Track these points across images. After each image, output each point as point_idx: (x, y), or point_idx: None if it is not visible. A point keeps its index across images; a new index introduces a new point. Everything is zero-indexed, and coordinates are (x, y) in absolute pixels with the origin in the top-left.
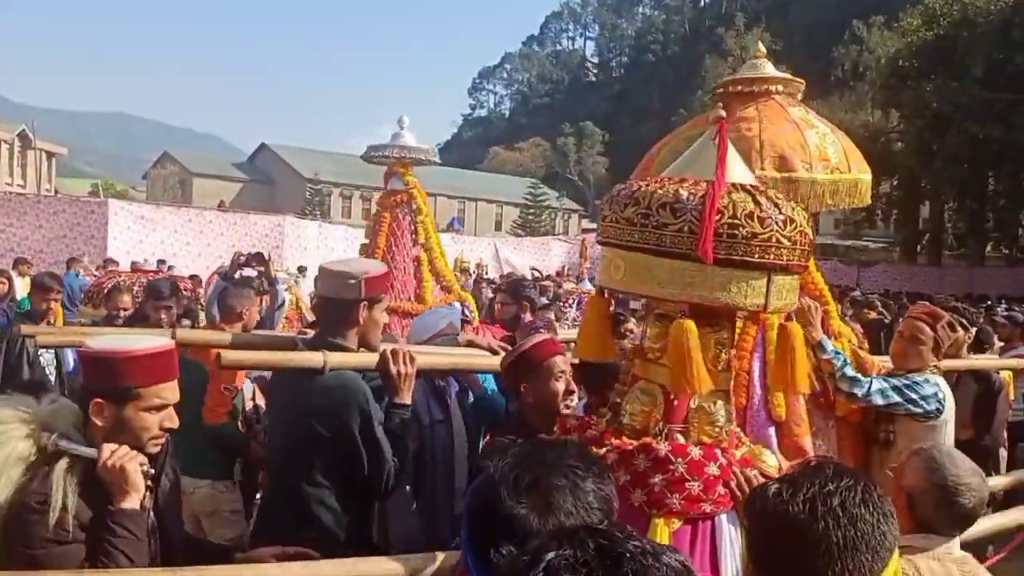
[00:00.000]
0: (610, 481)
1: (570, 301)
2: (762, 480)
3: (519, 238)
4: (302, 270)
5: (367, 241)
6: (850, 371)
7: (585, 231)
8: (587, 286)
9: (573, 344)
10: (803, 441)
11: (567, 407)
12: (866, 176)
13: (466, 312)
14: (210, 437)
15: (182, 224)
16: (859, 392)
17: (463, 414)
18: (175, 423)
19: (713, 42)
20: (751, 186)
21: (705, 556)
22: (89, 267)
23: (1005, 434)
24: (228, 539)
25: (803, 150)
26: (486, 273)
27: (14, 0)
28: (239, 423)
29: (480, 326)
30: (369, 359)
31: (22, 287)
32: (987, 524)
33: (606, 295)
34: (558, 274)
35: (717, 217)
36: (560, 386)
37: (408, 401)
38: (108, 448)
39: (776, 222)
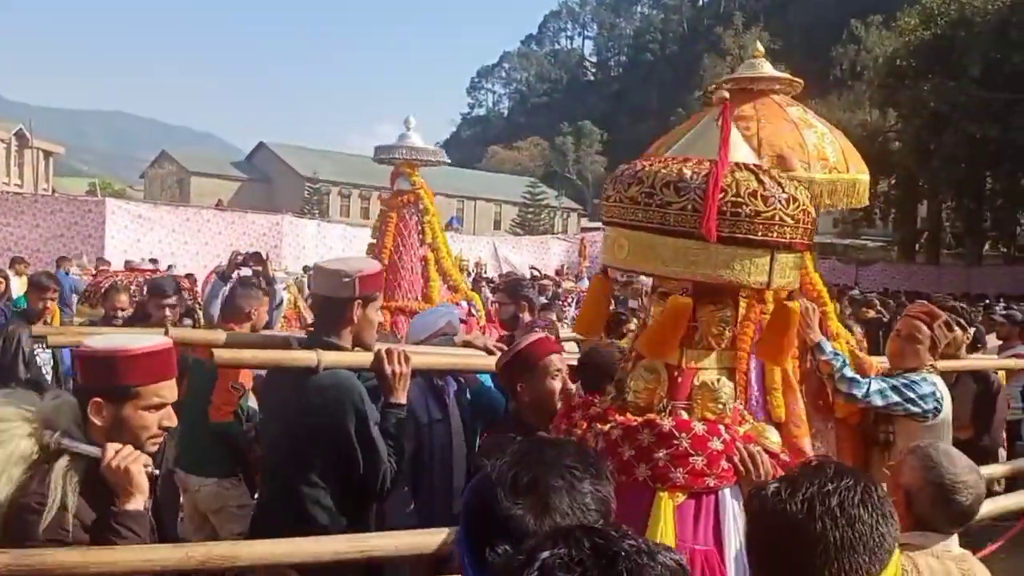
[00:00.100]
0: (608, 482)
1: (569, 300)
2: (765, 456)
3: (518, 237)
4: (308, 270)
5: (374, 241)
6: (849, 372)
7: (584, 230)
8: (586, 285)
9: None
10: (802, 443)
11: None
12: (864, 176)
13: (473, 311)
14: (216, 435)
15: (180, 223)
16: (858, 393)
17: (461, 413)
18: (174, 422)
19: (711, 41)
20: (754, 165)
21: (709, 530)
22: (88, 267)
23: (1004, 434)
24: (237, 534)
25: (801, 149)
26: (485, 272)
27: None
28: (244, 422)
29: (487, 326)
30: (364, 358)
31: (19, 286)
32: (991, 507)
33: (609, 275)
34: (557, 273)
35: (721, 195)
36: (557, 384)
37: (403, 401)
38: (112, 448)
39: (779, 201)
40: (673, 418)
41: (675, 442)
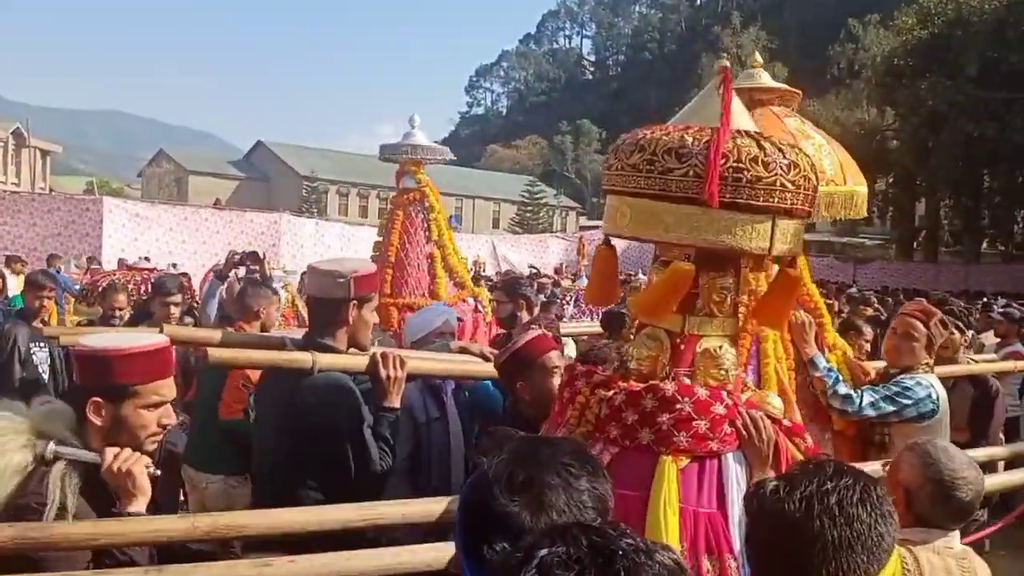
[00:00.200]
0: (605, 479)
1: (567, 298)
2: (767, 422)
3: (517, 236)
4: None
5: (380, 238)
6: (842, 388)
7: (583, 228)
8: (584, 283)
9: (573, 341)
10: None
11: None
12: (862, 188)
13: (479, 307)
14: (225, 432)
15: (178, 222)
16: (850, 409)
17: (459, 411)
18: (173, 420)
19: (709, 40)
20: (755, 132)
21: (712, 493)
22: (77, 271)
23: (1003, 437)
24: None
25: None
26: (484, 270)
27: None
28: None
29: (492, 323)
30: (359, 361)
31: (15, 285)
32: (996, 480)
33: (612, 243)
34: (556, 271)
35: (722, 161)
36: (556, 381)
37: (397, 405)
38: (111, 452)
39: (780, 166)
40: (676, 383)
41: (678, 406)
